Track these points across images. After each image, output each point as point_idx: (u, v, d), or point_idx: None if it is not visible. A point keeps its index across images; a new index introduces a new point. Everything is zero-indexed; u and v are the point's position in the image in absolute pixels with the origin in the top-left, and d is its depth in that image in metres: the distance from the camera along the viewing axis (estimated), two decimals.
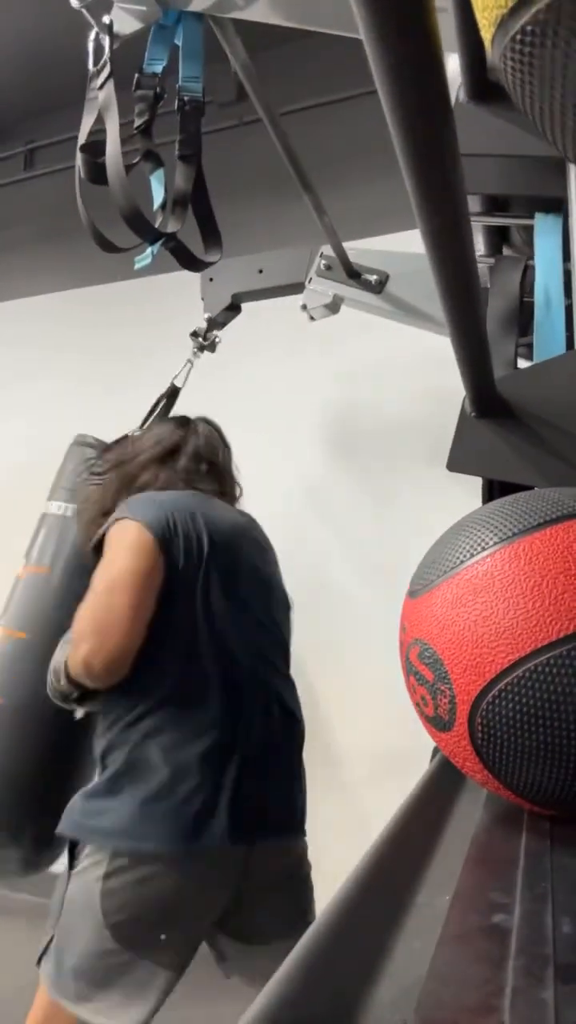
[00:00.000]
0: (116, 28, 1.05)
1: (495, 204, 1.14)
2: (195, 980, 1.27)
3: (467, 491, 1.27)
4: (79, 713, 1.31)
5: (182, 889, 1.14)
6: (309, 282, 1.68)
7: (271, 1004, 0.26)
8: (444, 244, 0.46)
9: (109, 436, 2.81)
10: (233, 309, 1.86)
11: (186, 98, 1.12)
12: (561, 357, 0.95)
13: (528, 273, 1.11)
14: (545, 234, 1.07)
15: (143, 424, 1.77)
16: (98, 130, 1.05)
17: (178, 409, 1.99)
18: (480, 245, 1.27)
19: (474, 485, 1.23)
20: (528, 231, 1.13)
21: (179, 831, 1.12)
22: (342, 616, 2.40)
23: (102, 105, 1.05)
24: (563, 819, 0.49)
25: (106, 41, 1.04)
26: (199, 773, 1.15)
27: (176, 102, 1.13)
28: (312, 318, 1.71)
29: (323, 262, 1.65)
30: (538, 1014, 0.25)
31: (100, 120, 1.05)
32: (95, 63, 1.06)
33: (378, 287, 1.58)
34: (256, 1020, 0.26)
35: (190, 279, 1.67)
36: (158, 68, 1.09)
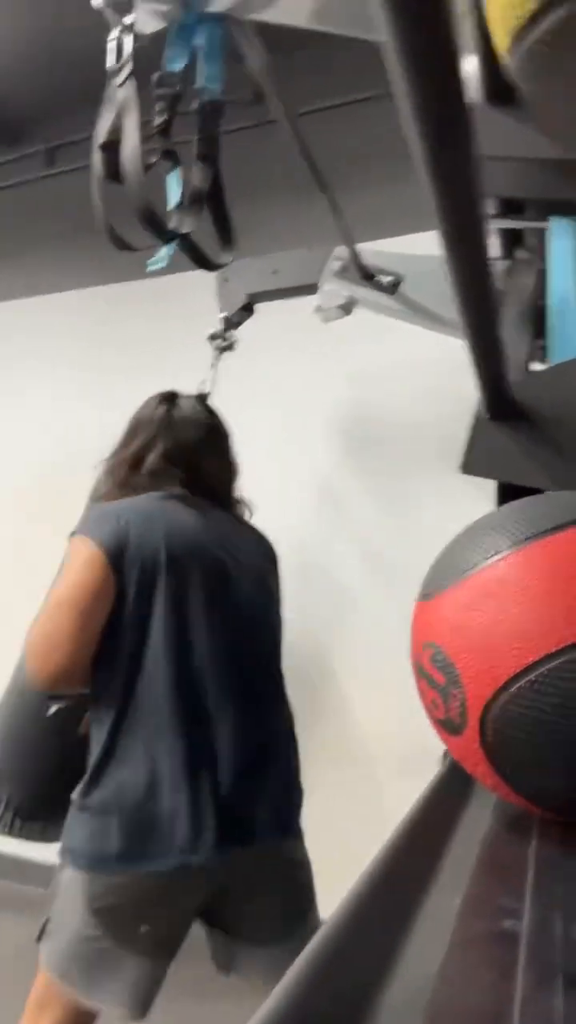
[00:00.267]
0: (137, 27, 1.05)
1: (510, 207, 1.13)
2: (197, 977, 1.28)
3: (480, 494, 1.26)
4: (51, 709, 1.35)
5: (153, 893, 1.16)
6: (323, 283, 1.68)
7: (280, 1006, 0.26)
8: (461, 246, 0.46)
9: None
10: (247, 309, 1.87)
11: (205, 98, 1.12)
12: (575, 360, 0.95)
13: (542, 276, 1.11)
14: (559, 237, 1.07)
15: None
16: (116, 129, 1.05)
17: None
18: (494, 248, 1.27)
19: (487, 488, 1.23)
20: (542, 234, 1.13)
21: (139, 848, 1.14)
22: (353, 618, 2.40)
23: (121, 104, 1.05)
24: (574, 825, 0.49)
25: (127, 40, 1.05)
26: (160, 786, 1.16)
27: (195, 102, 1.13)
28: (326, 319, 1.71)
29: (337, 263, 1.65)
30: (547, 1021, 0.25)
31: (119, 119, 1.06)
32: (116, 62, 1.06)
33: (392, 289, 1.58)
34: (264, 1021, 0.26)
35: (207, 279, 1.67)
36: (178, 67, 1.09)
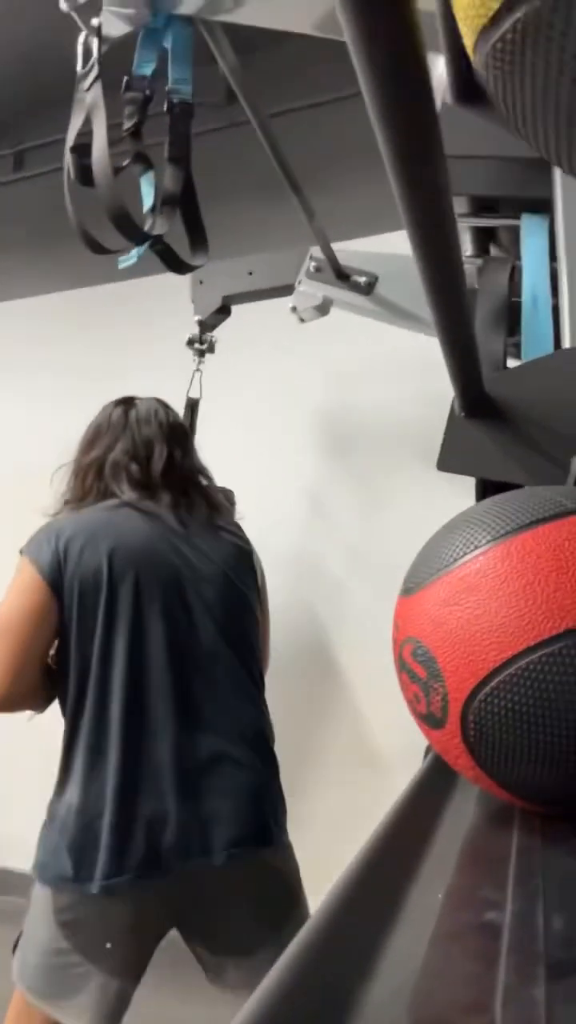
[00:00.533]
0: (105, 31, 1.04)
1: (482, 205, 1.14)
2: (190, 981, 1.28)
3: (459, 490, 1.27)
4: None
5: (111, 911, 1.16)
6: (299, 284, 1.68)
7: (264, 1003, 0.26)
8: (430, 245, 0.47)
9: None
10: (223, 312, 1.87)
11: (175, 100, 1.12)
12: (548, 357, 0.96)
13: (515, 273, 1.12)
14: (532, 235, 1.08)
15: None
16: (87, 132, 1.05)
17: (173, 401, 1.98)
18: (467, 246, 1.28)
19: (467, 484, 1.24)
20: (515, 232, 1.14)
21: (86, 869, 1.14)
22: (334, 615, 2.40)
23: (90, 107, 1.05)
24: (554, 817, 0.49)
25: (95, 44, 1.04)
26: (104, 806, 1.15)
27: (165, 104, 1.13)
28: (302, 320, 1.71)
29: (313, 264, 1.65)
30: (530, 1012, 0.25)
31: (89, 122, 1.05)
32: (83, 65, 1.06)
33: (367, 289, 1.59)
34: (249, 1019, 0.26)
35: (182, 281, 1.67)
36: (147, 71, 1.09)
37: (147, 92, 1.09)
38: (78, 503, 1.35)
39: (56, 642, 1.24)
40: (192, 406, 1.87)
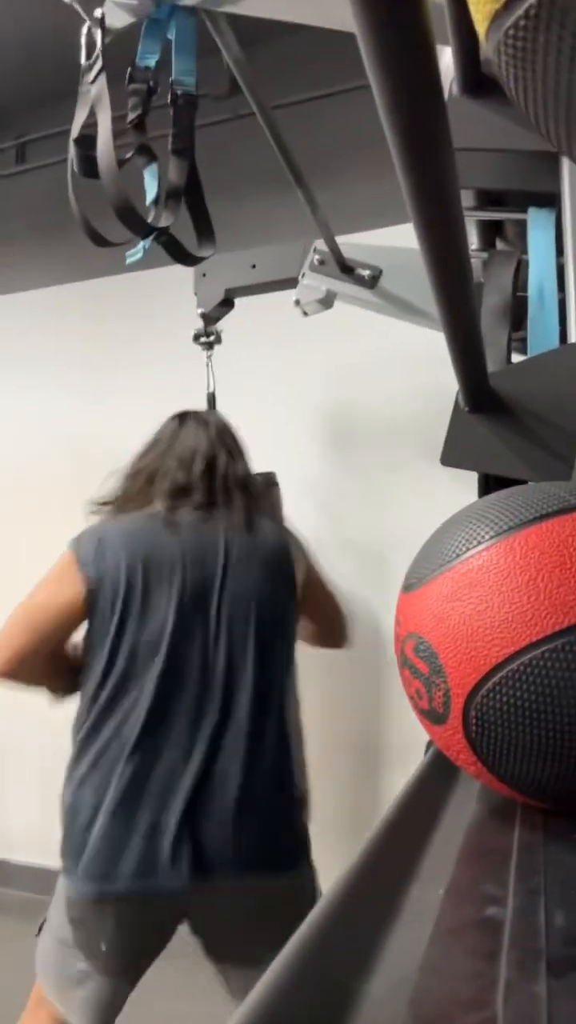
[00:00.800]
0: (108, 22, 1.04)
1: (489, 198, 1.13)
2: (194, 977, 1.28)
3: (463, 486, 1.27)
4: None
5: (105, 913, 1.16)
6: (302, 277, 1.68)
7: (264, 998, 0.26)
8: (437, 239, 0.46)
9: (101, 430, 2.83)
10: (226, 304, 1.86)
11: (179, 92, 1.12)
12: (554, 351, 0.95)
13: (522, 268, 1.11)
14: (538, 228, 1.07)
15: None
16: (91, 124, 1.05)
17: (176, 402, 1.97)
18: (473, 239, 1.27)
19: (470, 480, 1.23)
20: (521, 225, 1.13)
21: (89, 871, 1.15)
22: None
23: (94, 99, 1.05)
24: (556, 812, 0.49)
25: (98, 35, 1.04)
26: (102, 812, 1.16)
27: (169, 96, 1.12)
28: (305, 313, 1.70)
29: (316, 257, 1.64)
30: (531, 1008, 0.25)
31: (93, 114, 1.05)
32: (87, 57, 1.06)
33: (371, 282, 1.58)
34: (249, 1014, 0.26)
35: (185, 274, 1.67)
36: (151, 62, 1.09)
37: (151, 84, 1.09)
38: (122, 506, 1.39)
39: (82, 637, 1.29)
40: (210, 401, 1.89)
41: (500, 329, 1.06)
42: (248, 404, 1.95)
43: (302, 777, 1.33)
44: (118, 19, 1.04)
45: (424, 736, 0.58)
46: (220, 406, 1.92)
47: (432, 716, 0.53)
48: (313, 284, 1.66)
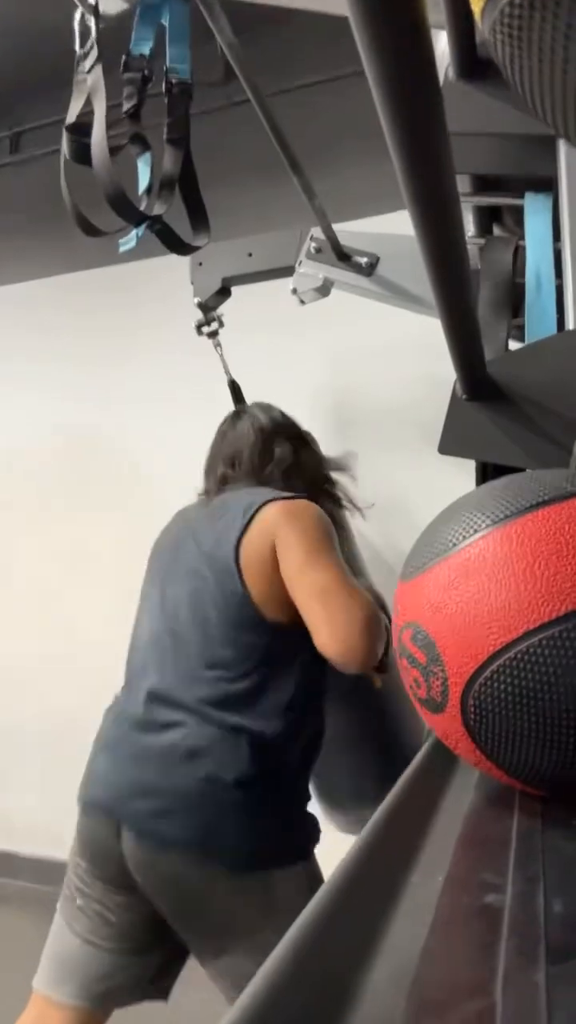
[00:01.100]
0: (102, 8, 1.03)
1: (485, 184, 1.13)
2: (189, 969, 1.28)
3: (461, 474, 1.27)
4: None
5: (78, 843, 1.22)
6: (299, 265, 1.67)
7: (264, 987, 0.27)
8: (433, 224, 0.46)
9: (98, 421, 2.82)
10: (223, 293, 1.85)
11: (174, 80, 1.10)
12: (551, 338, 0.95)
13: (519, 254, 1.10)
14: (535, 214, 1.07)
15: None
16: (87, 112, 1.04)
17: (175, 392, 1.97)
18: (470, 226, 1.26)
19: (468, 468, 1.23)
20: (519, 211, 1.13)
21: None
22: None
23: (90, 88, 1.04)
24: (554, 799, 0.49)
25: (92, 22, 1.03)
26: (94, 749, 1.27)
27: (164, 84, 1.11)
28: (302, 301, 1.70)
29: (313, 245, 1.63)
30: (530, 995, 0.25)
31: (89, 103, 1.04)
32: (81, 45, 1.04)
33: (369, 269, 1.57)
34: (250, 1002, 0.26)
35: (180, 263, 1.66)
36: (145, 49, 1.08)
37: (145, 72, 1.08)
38: (202, 496, 1.47)
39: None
40: (232, 388, 1.92)
41: (498, 316, 1.05)
42: (246, 391, 1.95)
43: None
44: (112, 6, 1.03)
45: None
46: (216, 394, 1.92)
47: (430, 705, 0.53)
48: (310, 272, 1.65)
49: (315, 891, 0.34)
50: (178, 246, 1.15)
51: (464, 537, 0.54)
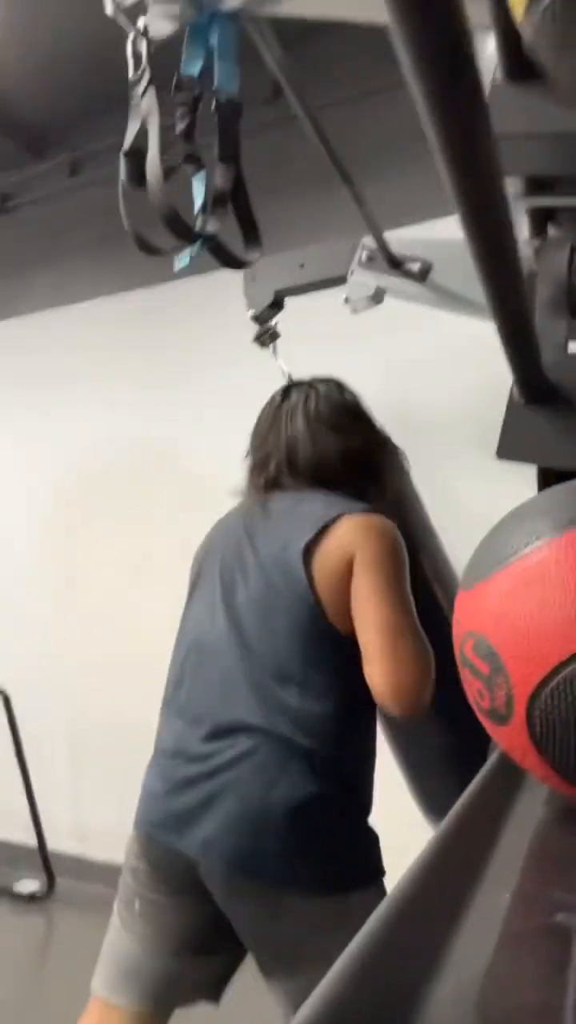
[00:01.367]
0: (151, 32, 1.05)
1: (538, 185, 1.10)
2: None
3: (521, 480, 1.24)
4: None
5: (131, 850, 1.22)
6: (351, 274, 1.67)
7: (328, 998, 0.26)
8: (482, 229, 0.45)
9: (160, 433, 2.87)
10: (276, 306, 1.86)
11: (223, 99, 1.12)
12: None
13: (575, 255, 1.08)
14: None
15: None
16: (142, 135, 1.06)
17: (237, 405, 1.99)
18: (524, 228, 1.24)
19: (529, 474, 1.20)
20: (573, 211, 1.10)
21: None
22: None
23: (144, 111, 1.06)
24: None
25: (143, 46, 1.05)
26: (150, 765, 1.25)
27: (213, 103, 1.13)
28: (355, 310, 1.69)
29: (365, 253, 1.63)
30: None
31: (144, 126, 1.07)
32: (135, 69, 1.07)
33: (422, 276, 1.56)
34: (314, 1014, 0.25)
35: (234, 277, 1.67)
36: (195, 70, 1.09)
37: (196, 92, 1.10)
38: (245, 496, 1.40)
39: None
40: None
41: (556, 318, 1.03)
42: None
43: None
44: (160, 28, 1.05)
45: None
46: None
47: (495, 717, 0.52)
48: (362, 281, 1.65)
49: None
50: (231, 261, 1.17)
51: (526, 544, 0.53)
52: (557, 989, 0.26)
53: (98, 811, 2.82)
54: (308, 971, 1.06)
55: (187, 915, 1.18)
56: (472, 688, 0.55)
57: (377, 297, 1.65)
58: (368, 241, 1.60)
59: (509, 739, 0.52)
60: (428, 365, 2.39)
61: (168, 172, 1.03)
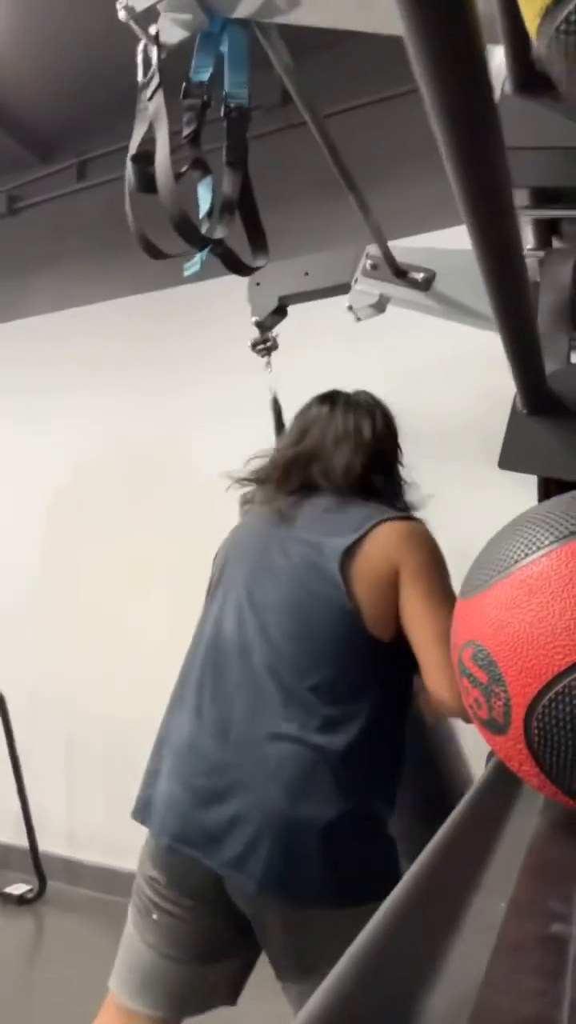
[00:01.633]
0: (163, 38, 1.06)
1: (544, 196, 1.11)
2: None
3: (522, 490, 1.24)
4: None
5: (148, 860, 1.20)
6: (355, 283, 1.67)
7: (323, 1007, 0.26)
8: (490, 239, 0.46)
9: (163, 439, 2.87)
10: (279, 313, 1.87)
11: (232, 105, 1.12)
12: None
13: None
14: None
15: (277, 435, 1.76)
16: (149, 140, 1.06)
17: (239, 412, 1.98)
18: (529, 238, 1.25)
19: (530, 484, 1.21)
20: None
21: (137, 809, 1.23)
22: None
23: (152, 116, 1.07)
24: None
25: (153, 52, 1.06)
26: (152, 757, 1.26)
27: (222, 109, 1.13)
28: (358, 318, 1.70)
29: (369, 262, 1.64)
30: None
31: (151, 130, 1.07)
32: (144, 74, 1.07)
33: (425, 285, 1.57)
34: (308, 1020, 0.25)
35: (236, 283, 1.68)
36: (204, 76, 1.10)
37: (205, 98, 1.10)
38: (262, 488, 1.39)
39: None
40: (275, 405, 1.89)
41: (559, 329, 1.03)
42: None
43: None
44: (172, 35, 1.06)
45: (485, 746, 0.57)
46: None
47: (492, 726, 0.52)
48: (366, 289, 1.66)
49: None
50: (239, 267, 1.17)
51: (526, 554, 0.53)
52: (553, 999, 0.26)
53: (90, 814, 2.81)
54: (324, 970, 1.05)
55: (206, 924, 1.18)
56: (470, 697, 0.55)
57: (380, 305, 1.66)
58: (372, 250, 1.61)
59: (506, 749, 0.52)
60: (429, 375, 2.39)
61: (177, 177, 1.03)
